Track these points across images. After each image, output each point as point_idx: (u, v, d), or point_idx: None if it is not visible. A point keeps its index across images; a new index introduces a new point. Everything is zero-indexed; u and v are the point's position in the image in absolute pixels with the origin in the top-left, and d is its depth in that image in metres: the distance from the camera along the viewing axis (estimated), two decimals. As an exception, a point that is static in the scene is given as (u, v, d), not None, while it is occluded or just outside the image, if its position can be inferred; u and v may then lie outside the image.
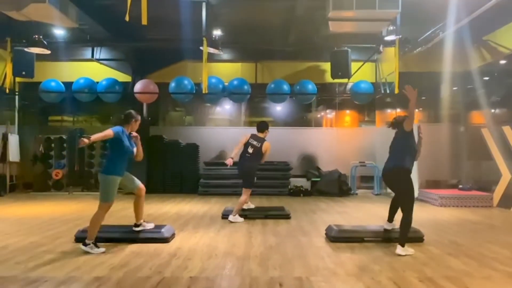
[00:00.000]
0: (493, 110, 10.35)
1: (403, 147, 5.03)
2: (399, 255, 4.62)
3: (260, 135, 7.02)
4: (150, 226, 5.40)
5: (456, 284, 3.63)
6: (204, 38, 8.63)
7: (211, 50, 8.95)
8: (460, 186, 9.76)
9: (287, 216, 7.15)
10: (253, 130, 7.22)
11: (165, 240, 5.19)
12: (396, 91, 8.50)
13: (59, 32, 9.67)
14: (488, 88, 9.93)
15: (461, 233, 6.00)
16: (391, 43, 8.66)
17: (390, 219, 5.38)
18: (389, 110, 13.06)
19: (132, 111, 5.22)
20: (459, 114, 10.95)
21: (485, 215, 7.77)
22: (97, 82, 10.90)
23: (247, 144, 6.94)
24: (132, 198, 5.48)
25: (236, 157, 6.94)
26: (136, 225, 5.29)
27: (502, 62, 9.81)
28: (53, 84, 10.86)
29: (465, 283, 3.65)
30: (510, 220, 7.41)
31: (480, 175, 9.81)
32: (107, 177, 4.86)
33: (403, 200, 4.95)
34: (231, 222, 6.69)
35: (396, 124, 5.23)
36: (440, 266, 4.23)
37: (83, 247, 4.74)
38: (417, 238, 5.32)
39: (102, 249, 4.76)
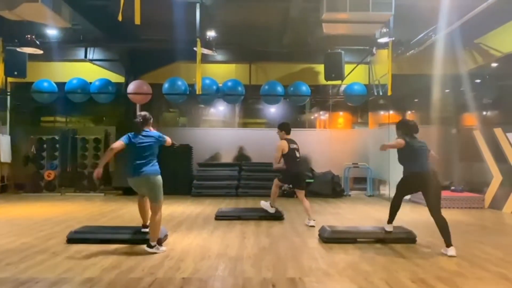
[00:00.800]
0: (484, 113, 10.45)
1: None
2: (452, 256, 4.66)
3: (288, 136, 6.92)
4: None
5: (448, 284, 3.65)
6: (198, 39, 8.63)
7: (205, 51, 8.94)
8: (452, 187, 9.81)
9: (280, 217, 7.16)
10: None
11: (157, 241, 5.15)
12: (389, 93, 8.55)
13: (52, 32, 9.61)
14: (479, 90, 10.02)
15: (453, 234, 5.97)
16: (384, 45, 8.72)
17: (391, 220, 5.39)
18: (382, 112, 13.14)
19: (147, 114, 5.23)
20: (451, 116, 11.03)
21: (477, 216, 7.82)
22: (90, 83, 10.83)
23: (292, 151, 6.75)
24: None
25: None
26: (145, 226, 5.28)
27: (494, 65, 9.91)
28: (45, 84, 10.78)
29: (457, 284, 3.67)
30: (501, 221, 7.47)
31: (471, 176, 9.87)
32: (158, 177, 5.07)
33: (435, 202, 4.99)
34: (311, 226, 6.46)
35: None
36: (432, 266, 4.25)
37: (148, 249, 4.76)
38: (409, 239, 5.35)
39: (165, 248, 4.88)
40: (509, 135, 8.41)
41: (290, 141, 6.83)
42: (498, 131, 8.76)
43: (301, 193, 6.84)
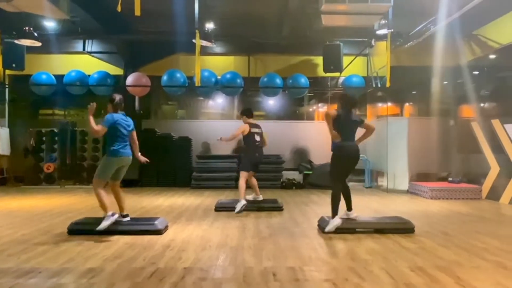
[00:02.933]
0: (482, 104, 10.48)
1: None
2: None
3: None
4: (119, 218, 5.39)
5: (447, 273, 3.70)
6: (196, 31, 8.59)
7: (204, 43, 8.92)
8: (450, 179, 9.88)
9: (279, 208, 7.21)
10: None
11: (158, 232, 5.21)
12: (388, 84, 8.55)
13: (49, 24, 9.56)
14: (478, 82, 10.04)
15: (451, 225, 6.10)
16: (383, 37, 8.70)
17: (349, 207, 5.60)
18: (380, 104, 13.16)
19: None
20: (450, 108, 11.06)
21: (475, 207, 7.89)
22: (89, 75, 10.81)
23: (253, 134, 7.11)
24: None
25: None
26: (125, 215, 5.42)
27: (492, 56, 9.92)
28: (44, 76, 10.75)
29: (456, 273, 3.72)
30: (499, 211, 7.54)
31: (469, 168, 9.93)
32: None
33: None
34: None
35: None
36: (431, 256, 4.30)
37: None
38: (408, 229, 5.40)
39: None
40: (507, 126, 8.45)
41: (253, 125, 7.21)
42: (496, 123, 8.80)
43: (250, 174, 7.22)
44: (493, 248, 4.65)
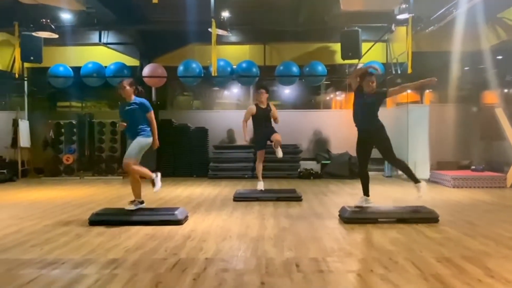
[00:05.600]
0: (506, 90, 10.17)
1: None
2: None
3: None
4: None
5: (476, 264, 3.58)
6: (212, 19, 8.50)
7: (220, 31, 8.83)
8: (473, 167, 9.65)
9: (298, 199, 7.12)
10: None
11: (178, 222, 5.19)
12: (409, 71, 8.35)
13: (66, 16, 9.60)
14: (502, 67, 9.73)
15: (476, 214, 5.94)
16: (403, 22, 8.48)
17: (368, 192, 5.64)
18: (399, 91, 12.87)
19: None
20: (472, 94, 10.77)
21: (499, 196, 7.69)
22: (105, 67, 10.84)
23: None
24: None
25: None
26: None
27: (517, 40, 9.58)
28: (61, 69, 10.83)
29: (485, 263, 3.60)
30: (524, 200, 7.34)
31: (492, 155, 9.68)
32: None
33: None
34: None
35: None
36: (457, 246, 4.18)
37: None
38: (432, 219, 5.27)
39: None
40: (533, 112, 8.18)
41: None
42: (521, 109, 8.53)
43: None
44: (522, 237, 4.51)
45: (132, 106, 5.48)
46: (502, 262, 3.66)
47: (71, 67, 10.99)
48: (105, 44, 10.85)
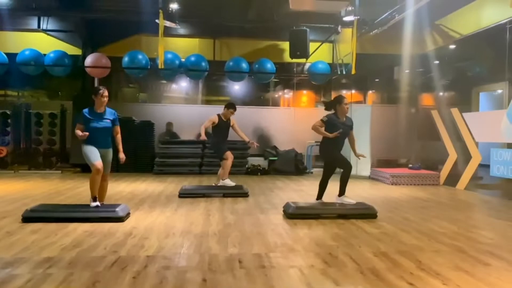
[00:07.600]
0: (442, 93, 10.80)
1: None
2: None
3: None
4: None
5: (408, 258, 3.77)
6: (160, 10, 8.30)
7: (168, 23, 8.65)
8: (410, 165, 10.17)
9: (245, 194, 7.16)
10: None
11: (119, 219, 5.03)
12: (353, 72, 8.63)
13: (1, -2, 8.96)
14: (438, 71, 10.31)
15: (412, 210, 6.27)
16: (349, 24, 8.74)
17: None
18: (344, 91, 13.27)
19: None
20: (411, 96, 11.33)
21: (433, 193, 8.15)
22: (44, 55, 10.26)
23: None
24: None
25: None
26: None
27: (452, 46, 10.19)
28: (-6, 55, 10.11)
29: (417, 257, 3.80)
30: (455, 197, 7.83)
31: (428, 155, 10.25)
32: None
33: None
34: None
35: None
36: (393, 241, 4.38)
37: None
38: (371, 215, 5.49)
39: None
40: (465, 115, 8.73)
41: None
42: (455, 111, 9.08)
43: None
44: (451, 232, 4.80)
45: (107, 118, 5.55)
46: (433, 255, 3.88)
47: (7, 54, 10.28)
48: (45, 31, 10.26)
